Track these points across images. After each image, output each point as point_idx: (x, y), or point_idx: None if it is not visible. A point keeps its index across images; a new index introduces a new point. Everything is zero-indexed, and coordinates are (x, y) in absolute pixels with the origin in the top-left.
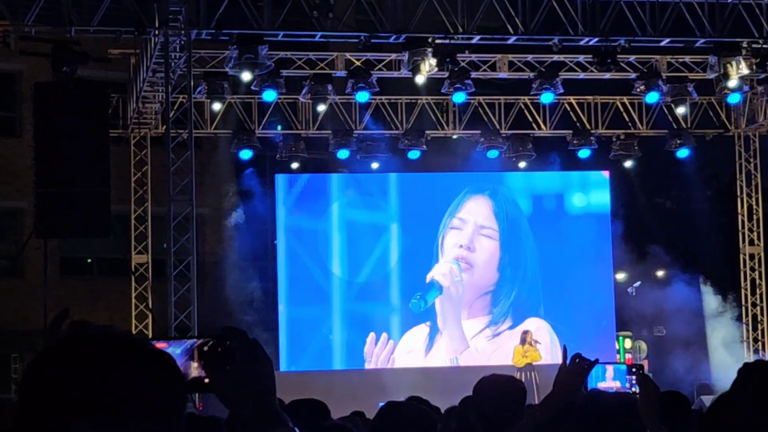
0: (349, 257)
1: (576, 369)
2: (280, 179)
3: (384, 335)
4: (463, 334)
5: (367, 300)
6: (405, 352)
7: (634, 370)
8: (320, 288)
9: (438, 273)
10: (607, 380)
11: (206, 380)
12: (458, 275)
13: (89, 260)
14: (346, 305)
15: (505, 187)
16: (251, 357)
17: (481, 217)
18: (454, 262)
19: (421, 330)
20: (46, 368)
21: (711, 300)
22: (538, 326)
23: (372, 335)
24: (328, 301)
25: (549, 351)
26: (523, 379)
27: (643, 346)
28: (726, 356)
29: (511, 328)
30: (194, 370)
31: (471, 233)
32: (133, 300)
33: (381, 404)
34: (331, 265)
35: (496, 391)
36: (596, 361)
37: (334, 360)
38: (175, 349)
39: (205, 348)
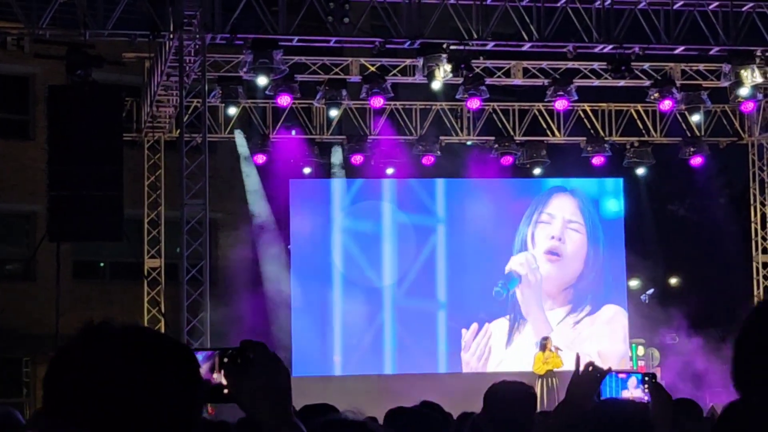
0: (399, 259)
1: (589, 377)
2: (294, 184)
3: (486, 325)
4: (546, 317)
5: (415, 299)
6: (497, 341)
7: (646, 379)
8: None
9: (515, 263)
10: (630, 388)
11: (225, 391)
12: (534, 264)
13: (102, 264)
14: (396, 304)
15: (583, 189)
16: (270, 368)
17: (567, 213)
18: (528, 253)
19: (502, 323)
20: (71, 361)
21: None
22: (615, 312)
23: (474, 325)
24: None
25: (626, 336)
26: (544, 387)
27: (656, 353)
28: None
29: (590, 314)
30: (213, 380)
31: (560, 227)
32: (146, 304)
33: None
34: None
35: (507, 397)
36: (609, 370)
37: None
38: None
39: (226, 359)
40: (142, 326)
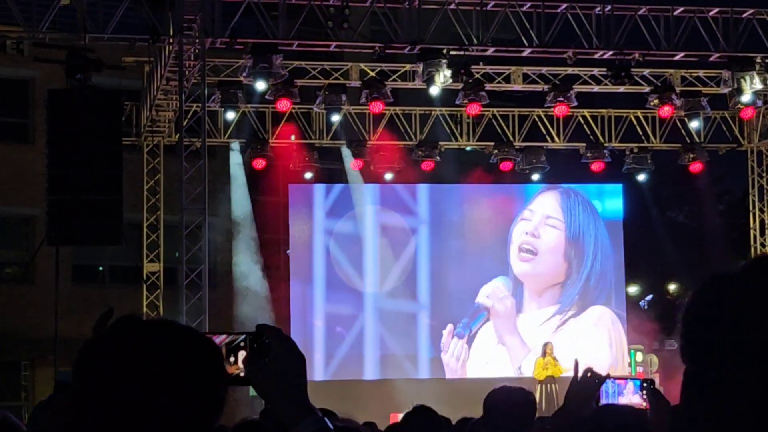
0: (381, 261)
1: (587, 383)
2: (293, 189)
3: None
4: (522, 341)
5: (396, 300)
6: (480, 343)
7: (645, 385)
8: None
9: (482, 295)
10: (626, 395)
11: (242, 374)
12: (504, 291)
13: (101, 268)
14: (377, 306)
15: (579, 187)
16: (286, 352)
17: (548, 209)
18: (500, 279)
19: (489, 327)
20: (99, 350)
21: None
22: (601, 313)
23: (450, 326)
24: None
25: (613, 338)
26: (544, 392)
27: (655, 359)
28: None
29: (575, 316)
30: (228, 365)
31: (537, 222)
32: (145, 308)
33: (393, 415)
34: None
35: (506, 402)
36: (607, 376)
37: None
38: None
39: (243, 344)
40: (169, 320)
